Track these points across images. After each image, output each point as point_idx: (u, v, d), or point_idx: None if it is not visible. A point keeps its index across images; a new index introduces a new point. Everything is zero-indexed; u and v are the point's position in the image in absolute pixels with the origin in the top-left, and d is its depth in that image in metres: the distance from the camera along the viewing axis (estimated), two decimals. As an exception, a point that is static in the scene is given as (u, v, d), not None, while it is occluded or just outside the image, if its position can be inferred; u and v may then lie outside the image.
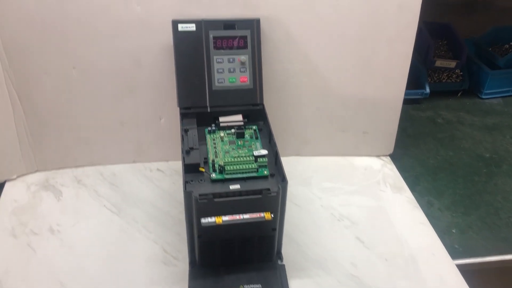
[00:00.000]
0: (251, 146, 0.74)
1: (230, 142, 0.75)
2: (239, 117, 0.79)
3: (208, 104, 0.77)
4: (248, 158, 0.70)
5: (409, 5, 0.79)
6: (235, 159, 0.69)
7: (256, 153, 0.71)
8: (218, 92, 0.77)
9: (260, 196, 0.64)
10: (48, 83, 0.79)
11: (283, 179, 0.66)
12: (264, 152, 0.71)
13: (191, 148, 0.71)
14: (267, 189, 0.66)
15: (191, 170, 0.68)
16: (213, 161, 0.70)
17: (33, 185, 0.85)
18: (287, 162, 0.90)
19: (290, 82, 0.86)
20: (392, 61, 0.84)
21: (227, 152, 0.73)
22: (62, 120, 0.83)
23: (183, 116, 0.77)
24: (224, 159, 0.69)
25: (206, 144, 0.74)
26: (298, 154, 0.95)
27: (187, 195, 0.63)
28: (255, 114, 0.79)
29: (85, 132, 0.85)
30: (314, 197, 0.85)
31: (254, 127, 0.78)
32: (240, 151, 0.73)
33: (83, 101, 0.82)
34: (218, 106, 0.78)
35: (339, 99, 0.88)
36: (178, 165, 0.90)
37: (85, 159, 0.88)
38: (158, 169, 0.90)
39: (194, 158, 0.69)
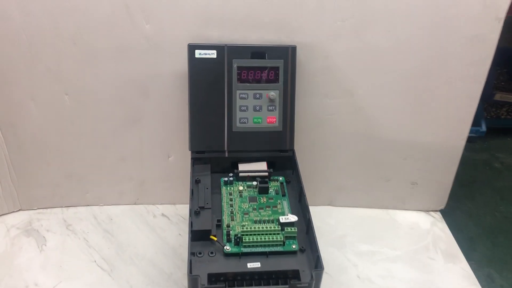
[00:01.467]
0: (276, 206, 0.60)
1: (251, 199, 0.61)
2: (263, 165, 0.64)
3: (226, 148, 0.63)
4: (272, 226, 0.55)
5: (486, 37, 0.63)
6: (256, 227, 0.55)
7: (283, 219, 0.56)
8: (239, 134, 0.63)
9: (286, 287, 0.49)
10: (35, 110, 0.67)
11: (317, 265, 0.51)
12: (293, 219, 0.56)
13: (202, 208, 0.57)
14: (296, 272, 0.52)
15: (199, 237, 0.55)
16: (228, 226, 0.56)
17: (13, 228, 0.72)
18: (316, 213, 0.74)
19: (326, 120, 0.71)
20: (456, 102, 0.69)
21: (246, 213, 0.59)
22: (50, 153, 0.70)
23: (195, 161, 0.63)
24: (242, 227, 0.55)
25: (220, 198, 0.60)
26: (330, 203, 0.80)
27: (192, 280, 0.49)
28: (283, 162, 0.65)
29: (78, 167, 0.72)
30: (348, 264, 0.70)
31: (281, 179, 0.64)
32: (262, 213, 0.59)
33: (77, 132, 0.69)
34: (238, 151, 0.64)
35: (386, 143, 0.73)
36: (186, 210, 0.76)
37: (76, 199, 0.75)
38: (163, 215, 0.77)
39: (204, 222, 0.55)
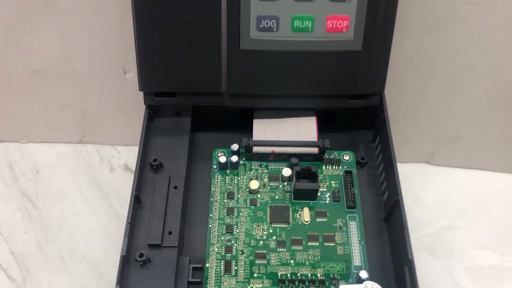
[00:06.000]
0: (332, 238, 0.27)
1: (275, 215, 0.28)
2: (308, 126, 0.30)
3: (225, 87, 0.28)
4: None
5: None
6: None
7: (346, 293, 0.24)
8: (254, 57, 0.27)
9: None
10: None
11: None
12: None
13: (155, 246, 0.25)
14: None
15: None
16: (213, 300, 0.25)
17: None
18: (407, 177, 0.44)
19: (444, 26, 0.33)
20: None
21: (260, 255, 0.26)
22: None
23: (153, 113, 0.29)
24: None
25: (207, 209, 0.28)
26: (428, 160, 0.46)
27: None
28: (357, 119, 0.30)
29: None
30: None
31: (346, 158, 0.30)
32: (298, 256, 0.27)
33: None
34: (253, 96, 0.28)
35: None
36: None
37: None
38: (126, 167, 0.45)
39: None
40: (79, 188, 0.45)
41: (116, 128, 0.46)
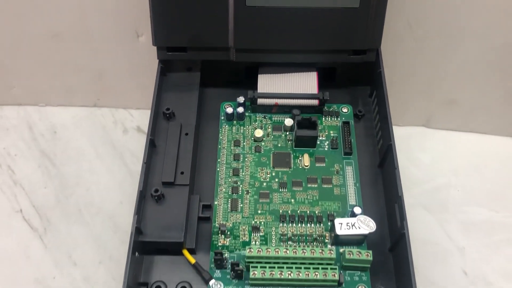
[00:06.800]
0: (329, 181, 0.30)
1: (277, 160, 0.30)
2: (308, 81, 0.32)
3: (232, 43, 0.30)
4: (317, 235, 0.26)
5: None
6: (283, 239, 0.26)
7: (342, 226, 0.26)
8: (259, 14, 0.29)
9: None
10: None
11: None
12: (366, 227, 0.26)
13: (168, 184, 0.28)
14: None
15: (159, 251, 0.27)
16: (222, 231, 0.28)
17: None
18: (401, 140, 0.46)
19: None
20: None
21: (264, 195, 0.29)
22: None
23: (165, 68, 0.32)
24: (254, 232, 0.27)
25: (216, 154, 0.30)
26: (426, 123, 0.48)
27: None
28: (355, 75, 0.33)
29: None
30: (449, 246, 0.43)
31: (345, 111, 0.32)
32: (299, 196, 0.29)
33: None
34: (258, 51, 0.31)
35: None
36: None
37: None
38: (139, 129, 0.48)
39: (169, 220, 0.27)
40: (94, 148, 0.47)
41: (129, 92, 0.48)
